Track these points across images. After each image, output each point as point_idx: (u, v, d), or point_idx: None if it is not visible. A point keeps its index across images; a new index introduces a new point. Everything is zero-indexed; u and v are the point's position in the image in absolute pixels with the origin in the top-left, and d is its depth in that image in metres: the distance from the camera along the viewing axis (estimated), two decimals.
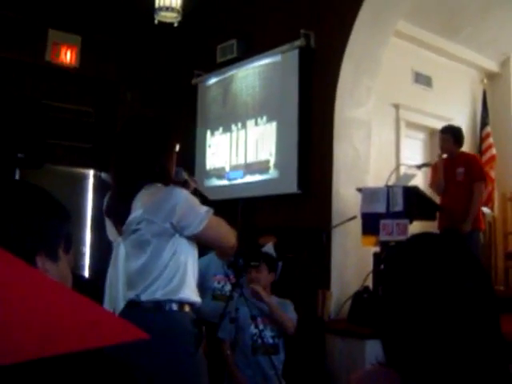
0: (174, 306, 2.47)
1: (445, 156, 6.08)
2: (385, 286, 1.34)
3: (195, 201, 2.55)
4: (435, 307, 1.21)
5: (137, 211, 2.46)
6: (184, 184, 2.69)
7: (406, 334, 1.24)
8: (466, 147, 7.67)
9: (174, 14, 6.10)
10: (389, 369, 1.28)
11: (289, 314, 4.03)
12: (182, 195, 2.49)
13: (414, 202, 5.24)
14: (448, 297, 1.21)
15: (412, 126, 7.29)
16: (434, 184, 6.13)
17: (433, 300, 1.21)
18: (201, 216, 2.48)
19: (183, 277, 2.49)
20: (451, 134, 6.04)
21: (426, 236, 1.40)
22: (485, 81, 8.34)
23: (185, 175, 2.74)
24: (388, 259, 1.44)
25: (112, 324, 0.89)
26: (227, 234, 2.65)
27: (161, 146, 2.62)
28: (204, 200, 2.68)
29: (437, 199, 6.07)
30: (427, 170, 6.49)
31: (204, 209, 2.52)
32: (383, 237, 5.11)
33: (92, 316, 0.86)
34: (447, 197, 5.93)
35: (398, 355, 1.25)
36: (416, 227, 5.75)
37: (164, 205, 2.45)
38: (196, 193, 2.69)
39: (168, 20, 6.16)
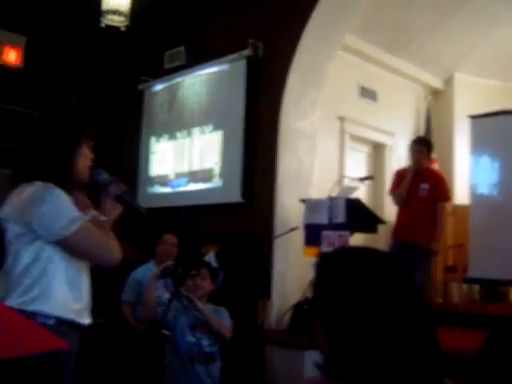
0: (40, 318, 2.21)
1: (410, 167, 5.96)
2: (316, 292, 1.34)
3: (66, 205, 2.30)
4: (365, 313, 1.21)
5: (5, 209, 2.31)
6: (104, 187, 2.51)
7: (339, 342, 1.24)
8: (408, 162, 7.82)
9: (122, 18, 6.02)
10: (330, 380, 1.27)
11: (224, 321, 4.00)
12: (51, 197, 2.26)
13: (356, 214, 5.28)
14: (376, 304, 1.21)
15: (356, 138, 7.38)
16: (396, 193, 5.94)
17: (363, 305, 1.22)
18: (67, 222, 2.25)
19: (48, 287, 2.26)
20: (426, 147, 5.97)
21: (354, 248, 1.41)
22: (429, 97, 8.51)
23: (106, 177, 2.55)
24: (319, 268, 1.43)
25: (33, 334, 0.85)
26: (103, 246, 2.38)
27: (57, 143, 2.40)
28: (132, 208, 2.55)
29: (389, 209, 6.07)
30: (370, 183, 6.56)
31: (74, 214, 2.29)
32: (325, 248, 5.13)
33: (12, 325, 0.82)
34: (408, 210, 5.84)
35: (337, 364, 1.25)
36: (358, 239, 5.82)
37: (26, 205, 2.26)
38: (121, 199, 2.52)
39: (115, 24, 6.08)
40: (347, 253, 1.41)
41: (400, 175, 6.01)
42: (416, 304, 1.25)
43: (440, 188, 5.88)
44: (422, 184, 5.80)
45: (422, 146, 5.94)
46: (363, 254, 1.35)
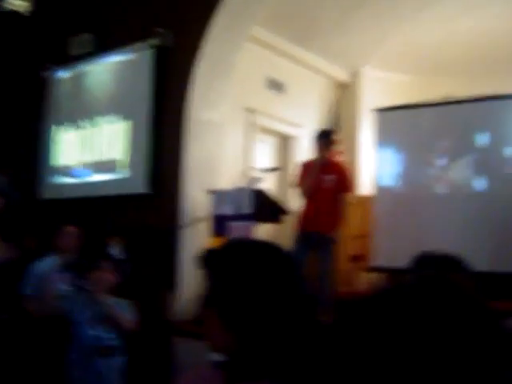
0: None
1: (316, 160, 6.04)
2: (213, 285, 1.35)
3: None
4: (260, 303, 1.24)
5: None
6: None
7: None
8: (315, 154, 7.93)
9: (25, 3, 5.83)
10: (213, 369, 1.29)
11: (127, 313, 3.96)
12: None
13: (262, 205, 5.32)
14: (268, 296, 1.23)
15: (264, 130, 7.42)
16: (304, 186, 5.99)
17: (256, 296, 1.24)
18: None
19: None
20: (328, 139, 6.04)
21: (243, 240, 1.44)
22: (336, 90, 8.66)
23: None
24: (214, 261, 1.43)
25: None
26: None
27: None
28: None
29: (295, 201, 6.14)
30: (277, 174, 6.61)
31: None
32: (232, 238, 5.15)
33: None
34: (313, 201, 5.91)
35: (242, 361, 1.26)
36: (265, 230, 5.88)
37: None
38: None
39: (17, 8, 5.88)
40: (238, 245, 1.42)
41: (305, 168, 6.08)
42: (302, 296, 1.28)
43: (344, 179, 6.01)
44: (327, 175, 5.91)
45: (325, 138, 6.03)
46: (253, 246, 1.38)
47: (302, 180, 6.01)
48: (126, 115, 6.32)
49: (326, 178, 5.90)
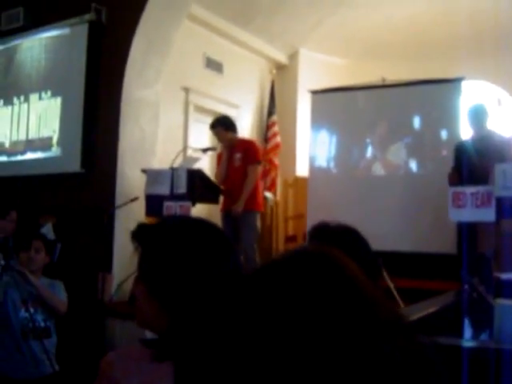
0: None
1: (223, 149, 6.18)
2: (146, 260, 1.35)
3: None
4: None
5: None
6: None
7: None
8: (252, 134, 7.96)
9: None
10: (141, 346, 1.28)
11: (59, 295, 3.90)
12: None
13: (197, 184, 5.31)
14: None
15: (201, 110, 7.37)
16: (216, 175, 6.16)
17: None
18: None
19: None
20: (220, 126, 6.08)
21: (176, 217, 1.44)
22: (274, 71, 8.67)
23: None
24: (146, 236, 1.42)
25: None
26: None
27: None
28: None
29: None
30: (213, 154, 6.60)
31: None
32: None
33: None
34: (228, 182, 6.02)
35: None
36: (200, 210, 5.86)
37: None
38: None
39: None
40: (170, 221, 1.42)
41: (219, 158, 6.27)
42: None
43: (249, 152, 6.06)
44: (235, 154, 6.03)
45: (216, 127, 6.09)
46: (185, 222, 1.39)
47: (218, 166, 6.22)
48: (59, 92, 6.17)
49: (235, 156, 6.03)
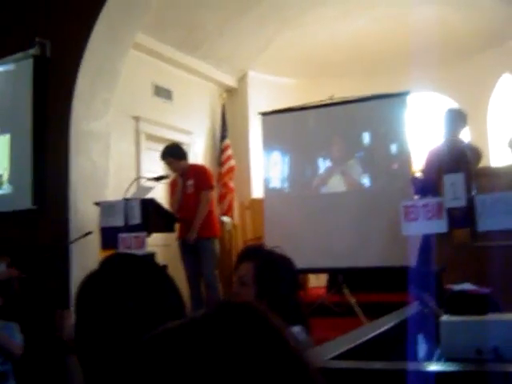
0: None
1: (177, 177, 6.24)
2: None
3: None
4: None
5: None
6: None
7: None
8: (206, 159, 7.97)
9: None
10: None
11: (13, 337, 3.82)
12: None
13: (151, 214, 5.28)
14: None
15: (153, 138, 7.35)
16: (173, 204, 6.18)
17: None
18: None
19: None
20: (170, 156, 6.13)
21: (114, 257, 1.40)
22: (224, 95, 8.71)
23: None
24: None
25: None
26: None
27: None
28: None
29: None
30: (167, 182, 6.58)
31: None
32: (122, 250, 5.06)
33: None
34: (182, 209, 6.03)
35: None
36: (156, 239, 5.83)
37: None
38: None
39: None
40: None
41: (172, 185, 6.31)
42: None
43: (201, 178, 6.12)
44: (187, 181, 6.08)
45: (166, 157, 6.16)
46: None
47: (170, 197, 6.26)
48: (7, 129, 6.07)
49: (187, 183, 6.07)
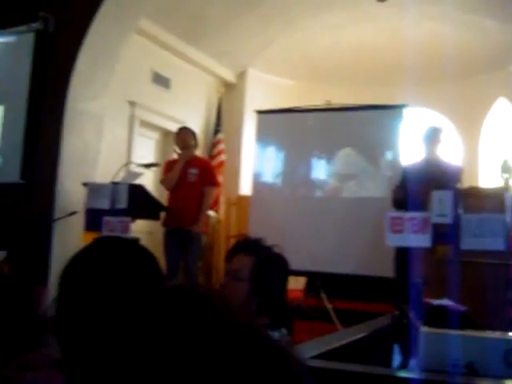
0: None
1: (181, 154, 6.11)
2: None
3: None
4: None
5: None
6: None
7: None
8: (197, 152, 7.95)
9: None
10: (55, 371, 1.24)
11: None
12: None
13: (138, 200, 5.27)
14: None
15: (146, 125, 7.33)
16: (165, 180, 6.07)
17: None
18: None
19: None
20: (192, 133, 6.16)
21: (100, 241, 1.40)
22: (221, 89, 8.71)
23: None
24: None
25: None
26: None
27: None
28: None
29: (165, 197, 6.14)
30: (157, 170, 6.56)
31: None
32: (105, 233, 5.05)
33: None
34: (177, 196, 5.93)
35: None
36: (141, 225, 5.82)
37: None
38: None
39: None
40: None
41: (169, 164, 6.17)
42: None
43: (208, 173, 6.08)
44: (191, 169, 5.95)
45: (191, 134, 6.16)
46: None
47: (166, 174, 6.09)
48: (2, 100, 6.04)
49: (190, 171, 5.95)
